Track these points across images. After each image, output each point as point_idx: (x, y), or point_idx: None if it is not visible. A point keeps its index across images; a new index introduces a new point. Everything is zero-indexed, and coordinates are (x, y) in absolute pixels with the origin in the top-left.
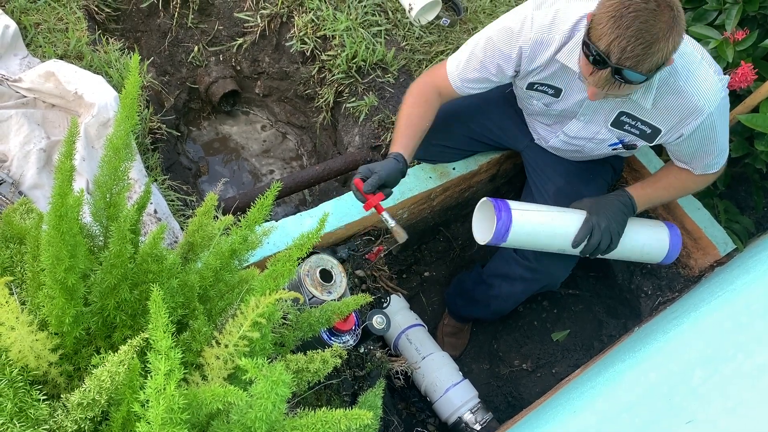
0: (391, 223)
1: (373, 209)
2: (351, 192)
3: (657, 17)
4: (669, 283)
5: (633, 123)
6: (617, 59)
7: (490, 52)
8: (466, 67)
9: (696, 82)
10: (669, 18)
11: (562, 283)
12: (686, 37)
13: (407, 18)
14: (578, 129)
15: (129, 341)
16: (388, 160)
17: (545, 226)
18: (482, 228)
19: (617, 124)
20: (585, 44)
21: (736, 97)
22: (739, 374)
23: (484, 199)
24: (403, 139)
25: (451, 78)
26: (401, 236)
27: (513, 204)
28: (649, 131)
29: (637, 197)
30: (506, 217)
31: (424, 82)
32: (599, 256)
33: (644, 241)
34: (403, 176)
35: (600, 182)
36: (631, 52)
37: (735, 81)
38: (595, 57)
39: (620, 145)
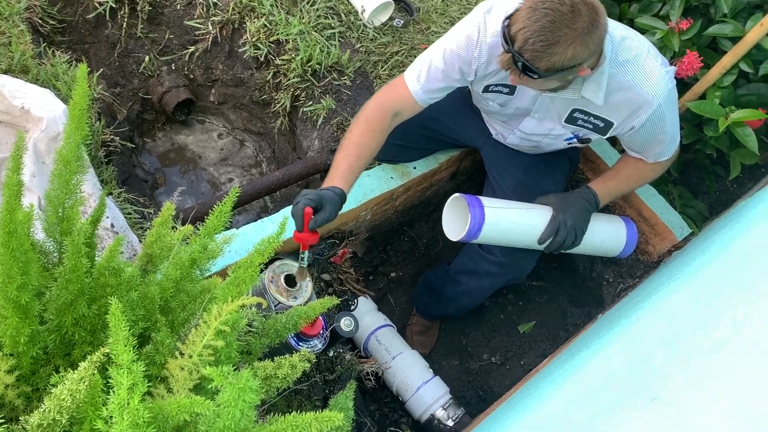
0: (304, 263)
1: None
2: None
3: (567, 21)
4: (629, 269)
5: (586, 118)
6: (518, 48)
7: (451, 60)
8: (429, 78)
9: (643, 76)
10: (581, 26)
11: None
12: (632, 32)
13: (360, 20)
14: (533, 126)
15: (89, 357)
16: (333, 197)
17: (515, 223)
18: (453, 224)
19: (571, 120)
20: (503, 22)
21: (683, 85)
22: (698, 351)
23: (456, 195)
24: (347, 175)
25: (414, 93)
26: (302, 276)
27: (485, 201)
28: (602, 125)
29: (600, 193)
30: (479, 214)
31: (379, 106)
32: (562, 251)
33: (603, 237)
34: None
35: (558, 174)
36: (531, 46)
37: (682, 69)
38: (505, 37)
39: (575, 140)
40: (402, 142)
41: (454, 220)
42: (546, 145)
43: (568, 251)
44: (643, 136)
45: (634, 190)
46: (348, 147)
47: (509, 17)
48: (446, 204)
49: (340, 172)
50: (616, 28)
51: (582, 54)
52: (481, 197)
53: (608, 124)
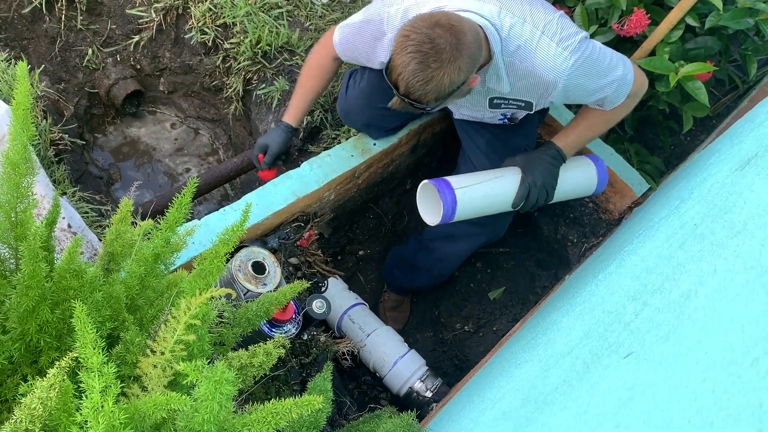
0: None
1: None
2: (273, 180)
3: (432, 57)
4: (592, 229)
5: (506, 102)
6: (403, 92)
7: (361, 45)
8: (345, 47)
9: (539, 60)
10: (446, 56)
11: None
12: (523, 16)
13: None
14: (469, 111)
15: (57, 363)
16: (279, 131)
17: (487, 196)
18: (429, 209)
19: (493, 106)
20: (385, 69)
21: (633, 43)
22: (667, 303)
23: (425, 181)
24: (293, 110)
25: (337, 49)
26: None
27: (454, 182)
28: (523, 104)
29: (564, 147)
30: (450, 198)
31: (318, 52)
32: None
33: (575, 183)
34: (291, 141)
35: (528, 127)
36: (411, 88)
37: (630, 27)
38: (390, 84)
39: (506, 120)
40: (384, 105)
41: (429, 205)
42: (489, 119)
43: (547, 204)
44: (575, 98)
45: (603, 132)
46: (297, 87)
47: (388, 62)
48: (418, 191)
49: (290, 109)
50: (505, 18)
51: (459, 77)
52: (450, 178)
53: (528, 104)
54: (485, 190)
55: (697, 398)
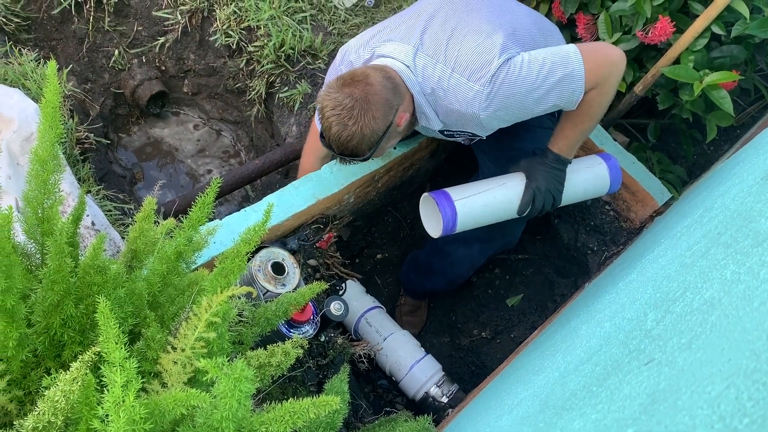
0: None
1: None
2: (294, 182)
3: (348, 115)
4: (613, 237)
5: (453, 132)
6: (339, 152)
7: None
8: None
9: (454, 97)
10: (358, 110)
11: (511, 249)
12: (436, 57)
13: (331, 2)
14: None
15: (80, 357)
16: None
17: (489, 206)
18: (432, 221)
19: (447, 135)
20: (320, 136)
21: (657, 51)
22: (689, 311)
23: (425, 194)
24: None
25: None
26: None
27: (454, 194)
28: (470, 134)
29: (560, 150)
30: (450, 211)
31: (306, 155)
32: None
33: (586, 185)
34: None
35: (538, 132)
36: (342, 147)
37: (655, 35)
38: (327, 148)
39: (471, 142)
40: None
41: (432, 217)
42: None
43: (559, 207)
44: (518, 117)
45: (596, 125)
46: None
47: (320, 131)
48: (420, 204)
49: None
50: (419, 59)
51: (378, 124)
52: (450, 189)
53: (473, 134)
54: (487, 200)
55: (721, 405)
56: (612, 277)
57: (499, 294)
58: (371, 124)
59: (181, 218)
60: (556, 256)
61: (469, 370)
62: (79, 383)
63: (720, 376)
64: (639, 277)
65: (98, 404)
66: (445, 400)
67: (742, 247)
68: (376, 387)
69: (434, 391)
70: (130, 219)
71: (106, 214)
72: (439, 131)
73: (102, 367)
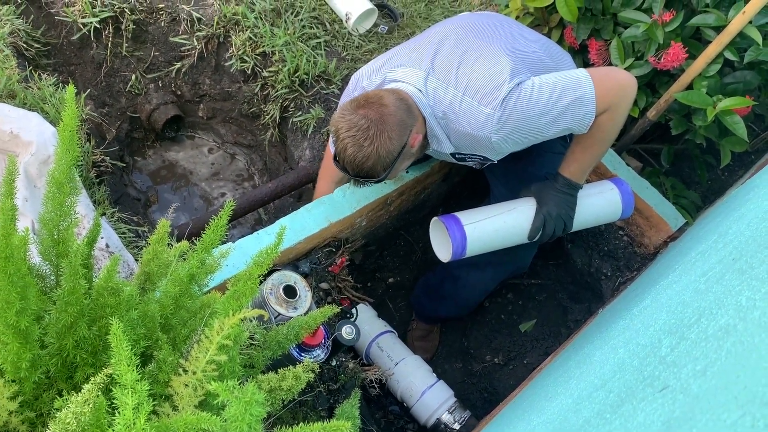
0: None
1: None
2: (306, 206)
3: (363, 137)
4: (627, 263)
5: (464, 155)
6: (354, 174)
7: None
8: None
9: (465, 122)
10: (373, 132)
11: (523, 274)
12: (447, 80)
13: (345, 28)
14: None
15: (92, 379)
16: None
17: (499, 231)
18: (442, 245)
19: (459, 159)
20: (334, 159)
21: (670, 76)
22: (704, 337)
23: (435, 218)
24: None
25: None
26: None
27: (464, 218)
28: (481, 158)
29: (571, 175)
30: (460, 235)
31: (322, 179)
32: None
33: (597, 210)
34: None
35: (548, 156)
36: (357, 169)
37: (668, 61)
38: (342, 171)
39: (481, 165)
40: None
41: (442, 241)
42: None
43: (570, 232)
44: (529, 140)
45: (607, 149)
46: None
47: (334, 154)
48: (430, 228)
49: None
50: (430, 83)
51: (393, 144)
52: (460, 214)
53: (484, 157)
54: (497, 224)
55: None
56: (626, 302)
57: (512, 319)
58: (387, 145)
59: (195, 241)
60: (570, 281)
61: (481, 397)
62: (90, 405)
63: (735, 403)
64: (653, 303)
65: (109, 426)
66: (457, 426)
67: (757, 273)
68: (387, 413)
69: (446, 417)
70: (144, 241)
71: (120, 237)
72: (450, 154)
73: (113, 389)
